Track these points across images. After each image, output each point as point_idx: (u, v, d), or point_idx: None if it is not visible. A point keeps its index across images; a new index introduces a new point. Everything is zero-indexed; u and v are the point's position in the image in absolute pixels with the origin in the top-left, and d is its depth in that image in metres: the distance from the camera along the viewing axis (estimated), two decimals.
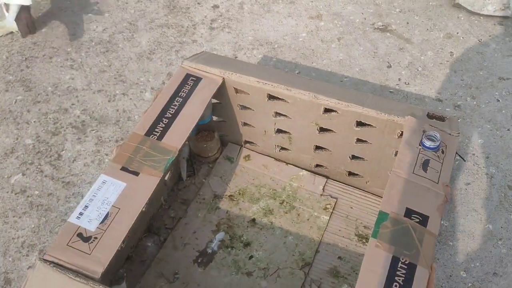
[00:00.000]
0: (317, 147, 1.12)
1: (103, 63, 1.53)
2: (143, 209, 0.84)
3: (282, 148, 1.18)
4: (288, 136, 1.13)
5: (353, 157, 1.09)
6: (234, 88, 1.07)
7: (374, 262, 0.74)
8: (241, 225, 1.11)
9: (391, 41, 1.58)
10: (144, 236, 1.08)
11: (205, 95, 1.02)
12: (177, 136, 0.94)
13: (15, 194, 1.20)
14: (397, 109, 0.97)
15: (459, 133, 0.91)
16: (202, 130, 1.19)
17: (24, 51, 1.57)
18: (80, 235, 0.80)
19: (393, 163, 1.03)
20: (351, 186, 1.17)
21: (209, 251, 1.06)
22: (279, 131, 1.13)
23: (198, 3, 1.73)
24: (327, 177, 1.18)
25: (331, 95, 0.98)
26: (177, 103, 0.99)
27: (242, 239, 1.08)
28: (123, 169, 0.88)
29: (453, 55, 1.53)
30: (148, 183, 0.87)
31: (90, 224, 0.81)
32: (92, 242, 0.79)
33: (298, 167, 1.19)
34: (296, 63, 1.51)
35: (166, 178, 1.13)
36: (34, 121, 1.36)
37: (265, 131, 1.15)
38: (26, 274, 1.06)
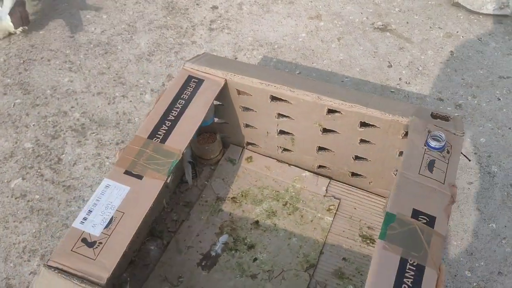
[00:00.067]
0: (320, 148, 1.11)
1: (102, 65, 1.52)
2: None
3: (285, 149, 1.17)
4: (291, 137, 1.13)
5: (357, 157, 1.09)
6: (237, 89, 1.06)
7: (382, 264, 0.73)
8: (245, 227, 1.10)
9: (391, 40, 1.58)
10: (147, 240, 1.07)
11: (207, 97, 1.01)
12: (181, 138, 0.93)
13: (15, 198, 1.19)
14: (401, 109, 0.96)
15: (463, 132, 0.91)
16: (203, 132, 1.19)
17: (22, 53, 1.55)
18: (84, 240, 0.79)
19: (396, 163, 1.03)
20: (354, 186, 1.16)
21: (213, 254, 1.05)
22: (281, 132, 1.13)
23: (197, 4, 1.72)
24: (330, 178, 1.17)
25: (335, 96, 0.98)
26: (179, 105, 0.99)
27: (245, 241, 1.08)
28: (127, 172, 0.88)
29: (453, 54, 1.53)
30: (152, 187, 0.86)
31: (94, 229, 0.80)
32: (96, 247, 0.78)
33: (301, 168, 1.19)
34: (296, 64, 1.51)
35: (168, 180, 1.12)
36: (33, 125, 1.35)
37: (267, 133, 1.14)
38: (29, 280, 1.05)
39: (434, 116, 0.94)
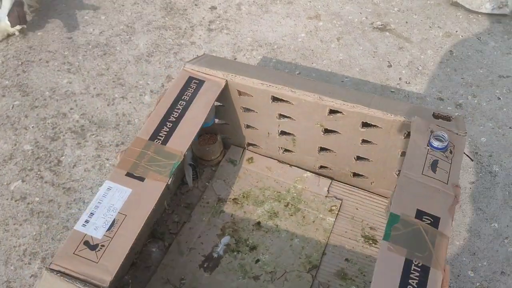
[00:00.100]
0: (322, 149, 1.11)
1: (101, 66, 1.51)
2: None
3: (286, 150, 1.17)
4: (292, 138, 1.12)
5: (358, 158, 1.08)
6: (237, 90, 1.05)
7: (387, 265, 0.73)
8: (246, 228, 1.09)
9: (391, 40, 1.57)
10: (148, 242, 1.07)
11: (208, 98, 1.00)
12: (182, 140, 0.93)
13: (15, 201, 1.19)
14: (403, 110, 0.96)
15: (466, 132, 0.91)
16: (204, 133, 1.18)
17: (20, 55, 1.54)
18: (86, 243, 0.78)
19: (398, 163, 1.03)
20: (356, 187, 1.16)
21: (215, 255, 1.05)
22: (283, 133, 1.12)
23: (195, 5, 1.71)
24: (332, 179, 1.17)
25: (336, 96, 0.98)
26: (180, 107, 0.98)
27: (247, 242, 1.07)
28: (128, 174, 0.87)
29: (452, 53, 1.53)
30: (154, 189, 0.86)
31: (96, 231, 0.80)
32: (99, 250, 0.78)
33: (302, 168, 1.18)
34: (296, 64, 1.50)
35: (169, 182, 1.11)
36: (33, 127, 1.34)
37: (268, 133, 1.14)
38: (29, 283, 1.04)
39: (436, 116, 0.94)
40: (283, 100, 1.03)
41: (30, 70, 1.50)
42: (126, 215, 0.82)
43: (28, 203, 1.18)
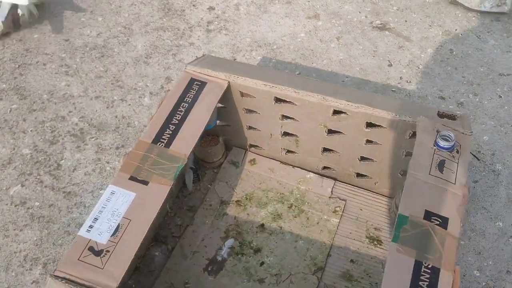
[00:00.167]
0: (325, 149, 1.10)
1: (99, 68, 1.49)
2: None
3: (289, 151, 1.16)
4: (295, 138, 1.11)
5: (362, 158, 1.08)
6: (240, 91, 1.04)
7: (397, 267, 0.72)
8: (250, 230, 1.08)
9: (390, 39, 1.57)
10: (151, 246, 1.06)
11: (211, 100, 0.99)
12: (185, 142, 0.92)
13: (15, 206, 1.17)
14: (407, 109, 0.95)
15: (472, 132, 0.90)
16: (206, 134, 1.17)
17: (16, 58, 1.53)
18: (91, 249, 0.77)
19: (403, 164, 1.03)
20: (359, 187, 1.15)
21: (219, 258, 1.04)
22: (285, 134, 1.12)
23: (193, 5, 1.70)
24: (335, 179, 1.16)
25: (340, 97, 0.97)
26: (183, 109, 0.97)
27: (252, 245, 1.06)
28: (132, 178, 0.86)
29: (453, 52, 1.53)
30: (158, 192, 0.85)
31: (101, 237, 0.78)
32: (104, 255, 0.76)
33: (305, 169, 1.17)
34: (296, 64, 1.49)
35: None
36: (31, 130, 1.33)
37: (271, 134, 1.13)
38: None
39: (441, 115, 0.94)
40: (286, 101, 1.02)
41: (27, 73, 1.48)
42: (130, 220, 0.81)
43: (28, 208, 1.16)
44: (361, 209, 1.12)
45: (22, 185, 1.21)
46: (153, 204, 0.83)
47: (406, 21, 1.63)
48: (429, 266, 0.72)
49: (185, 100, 0.98)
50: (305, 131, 1.08)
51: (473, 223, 1.13)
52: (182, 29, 1.62)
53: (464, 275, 1.04)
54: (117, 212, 0.81)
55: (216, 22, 1.64)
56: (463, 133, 0.90)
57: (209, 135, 1.17)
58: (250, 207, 1.12)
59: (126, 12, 1.68)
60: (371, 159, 1.06)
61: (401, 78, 1.45)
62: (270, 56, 1.52)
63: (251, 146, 1.20)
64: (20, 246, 1.10)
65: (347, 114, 0.98)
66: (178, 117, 0.95)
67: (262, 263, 1.03)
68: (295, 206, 1.12)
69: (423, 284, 0.70)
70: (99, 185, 1.21)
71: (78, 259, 0.76)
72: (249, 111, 1.09)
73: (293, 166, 1.18)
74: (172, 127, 0.94)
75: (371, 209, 1.12)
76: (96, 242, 0.78)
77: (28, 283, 1.04)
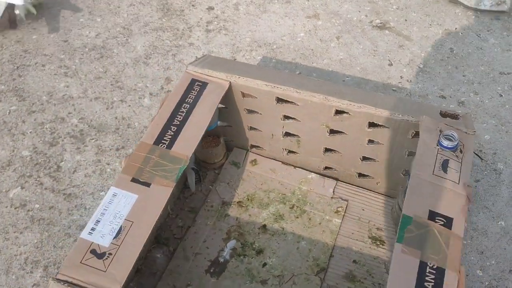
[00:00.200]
0: (327, 150, 1.10)
1: (98, 69, 1.49)
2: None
3: (290, 152, 1.16)
4: (297, 139, 1.11)
5: (364, 158, 1.07)
6: (241, 92, 1.04)
7: (402, 268, 0.72)
8: (252, 232, 1.08)
9: (390, 38, 1.56)
10: (153, 247, 1.05)
11: (212, 101, 0.99)
12: (187, 144, 0.91)
13: (15, 208, 1.16)
14: (410, 109, 0.95)
15: (475, 131, 0.90)
16: (207, 135, 1.16)
17: (15, 59, 1.52)
18: (93, 251, 0.76)
19: (405, 163, 1.02)
20: (361, 187, 1.15)
21: (221, 260, 1.03)
22: (287, 134, 1.11)
23: (193, 5, 1.70)
24: (337, 179, 1.16)
25: (343, 97, 0.96)
26: (184, 110, 0.96)
27: (254, 246, 1.06)
28: (134, 180, 0.85)
29: (453, 51, 1.52)
30: (160, 194, 0.84)
31: (103, 239, 0.78)
32: (106, 258, 0.76)
33: (307, 170, 1.17)
34: (296, 64, 1.49)
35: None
36: (30, 132, 1.32)
37: (272, 135, 1.13)
38: None
39: (443, 114, 0.93)
40: (288, 101, 1.02)
41: (26, 75, 1.47)
42: (133, 222, 0.80)
43: (28, 210, 1.16)
44: (363, 209, 1.11)
45: (22, 187, 1.20)
46: (155, 206, 0.82)
47: (406, 20, 1.63)
48: (434, 267, 0.72)
49: (186, 101, 0.98)
50: (306, 131, 1.07)
51: (475, 222, 1.13)
52: (182, 29, 1.61)
53: (467, 275, 1.04)
54: (119, 214, 0.81)
55: (215, 22, 1.63)
56: (466, 132, 0.89)
57: (210, 136, 1.16)
58: (252, 208, 1.12)
59: (125, 12, 1.67)
60: (373, 159, 1.06)
61: (401, 77, 1.45)
62: (270, 56, 1.51)
63: (252, 146, 1.20)
64: (20, 248, 1.09)
65: (349, 114, 0.98)
66: (180, 118, 0.95)
67: (264, 264, 1.03)
68: (297, 206, 1.12)
69: (428, 285, 0.70)
70: (100, 186, 1.20)
71: (80, 262, 0.75)
72: (251, 111, 1.09)
73: (295, 167, 1.18)
74: (173, 128, 0.93)
75: (373, 209, 1.11)
76: (98, 244, 0.77)
77: (29, 286, 1.04)
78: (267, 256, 1.04)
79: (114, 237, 0.78)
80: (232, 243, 1.06)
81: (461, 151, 0.86)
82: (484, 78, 1.44)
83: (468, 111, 1.35)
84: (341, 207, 1.11)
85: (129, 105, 1.38)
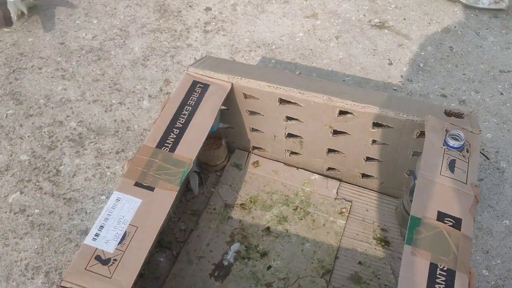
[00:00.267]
0: (330, 150, 1.09)
1: (96, 71, 1.47)
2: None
3: (293, 153, 1.15)
4: (300, 140, 1.10)
5: (368, 158, 1.06)
6: (243, 93, 1.03)
7: (412, 270, 0.71)
8: (256, 234, 1.07)
9: (390, 37, 1.56)
10: (156, 251, 1.04)
11: (214, 103, 0.97)
12: (190, 146, 0.90)
13: (14, 214, 1.14)
14: (414, 108, 0.94)
15: (480, 130, 0.89)
16: (209, 137, 1.15)
17: (11, 62, 1.50)
18: (98, 257, 0.75)
19: (410, 163, 1.01)
20: (365, 188, 1.14)
21: (225, 263, 1.02)
22: (289, 135, 1.10)
23: (190, 6, 1.68)
24: (340, 180, 1.15)
25: (346, 97, 0.95)
26: (186, 112, 0.95)
27: (258, 249, 1.04)
28: (137, 184, 0.84)
29: (452, 49, 1.52)
30: (164, 198, 0.83)
31: (107, 245, 0.76)
32: (111, 264, 0.74)
33: (310, 171, 1.16)
34: (296, 64, 1.48)
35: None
36: (28, 136, 1.30)
37: (274, 136, 1.12)
38: None
39: (448, 113, 0.92)
40: (291, 102, 1.00)
41: (23, 78, 1.45)
42: (137, 227, 0.79)
43: (28, 216, 1.14)
44: (367, 210, 1.10)
45: (21, 192, 1.18)
46: (160, 210, 0.81)
47: (404, 19, 1.62)
48: (445, 269, 0.71)
49: (188, 103, 0.97)
50: (309, 132, 1.06)
51: (480, 221, 1.12)
52: (179, 31, 1.59)
53: None
54: (123, 219, 0.79)
55: (213, 23, 1.62)
56: (471, 131, 0.88)
57: (211, 138, 1.15)
58: (255, 210, 1.11)
59: (122, 14, 1.66)
60: (377, 159, 1.05)
61: (402, 76, 1.44)
62: (270, 56, 1.50)
63: (254, 148, 1.19)
64: (20, 254, 1.08)
65: (353, 115, 0.97)
66: (182, 120, 0.94)
67: (269, 267, 1.02)
68: (301, 208, 1.11)
69: (439, 287, 0.69)
70: (100, 190, 1.18)
71: (85, 269, 0.74)
72: (253, 113, 1.08)
73: (297, 168, 1.17)
74: (176, 131, 0.92)
75: (377, 209, 1.11)
76: (103, 250, 0.76)
77: None
78: (271, 258, 1.03)
79: (119, 243, 0.77)
80: (236, 246, 1.05)
81: (467, 151, 0.85)
82: (484, 76, 1.44)
83: (469, 109, 1.35)
84: (345, 208, 1.10)
85: (128, 108, 1.37)
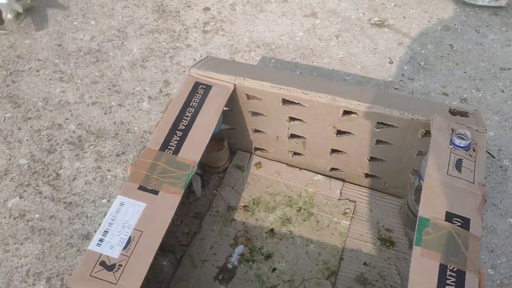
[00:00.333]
0: (333, 150, 1.08)
1: (95, 73, 1.46)
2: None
3: (295, 153, 1.14)
4: (303, 140, 1.09)
5: (372, 158, 1.06)
6: (246, 94, 1.02)
7: (422, 271, 0.70)
8: (260, 236, 1.06)
9: (390, 36, 1.55)
10: (159, 255, 1.02)
11: (217, 104, 0.96)
12: (194, 149, 0.89)
13: (14, 219, 1.13)
14: (419, 107, 0.93)
15: (486, 129, 0.88)
16: (210, 139, 1.14)
17: (8, 65, 1.48)
18: (103, 263, 0.74)
19: (414, 163, 1.01)
20: (368, 188, 1.13)
21: (230, 266, 1.01)
22: (292, 136, 1.09)
23: (188, 6, 1.67)
24: (343, 181, 1.14)
25: (350, 97, 0.95)
26: (189, 114, 0.94)
27: (262, 251, 1.04)
28: (141, 188, 0.83)
29: (453, 47, 1.51)
30: (169, 202, 0.82)
31: (112, 250, 0.75)
32: (117, 270, 0.73)
33: (313, 171, 1.15)
34: (296, 63, 1.47)
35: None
36: (27, 139, 1.28)
37: (277, 137, 1.11)
38: None
39: (453, 112, 0.92)
40: (294, 103, 0.99)
41: (20, 80, 1.43)
42: (142, 232, 0.78)
43: (28, 221, 1.13)
44: (371, 210, 1.10)
45: (21, 197, 1.17)
46: (164, 214, 0.80)
47: (404, 17, 1.61)
48: (454, 269, 0.70)
49: (191, 104, 0.95)
50: (313, 132, 1.05)
51: (484, 220, 1.11)
52: (178, 31, 1.58)
53: None
54: (128, 224, 0.78)
55: (212, 23, 1.61)
56: (477, 130, 0.88)
57: (213, 140, 1.14)
58: (258, 212, 1.10)
59: (120, 14, 1.64)
60: (381, 159, 1.04)
61: (403, 75, 1.43)
62: (270, 56, 1.49)
63: (256, 149, 1.18)
64: (21, 260, 1.06)
65: (357, 115, 0.96)
66: (185, 122, 0.92)
67: (274, 269, 1.01)
68: (304, 209, 1.10)
69: None
70: (101, 194, 1.17)
71: (90, 275, 0.72)
72: (255, 113, 1.07)
73: (300, 169, 1.16)
74: (179, 133, 0.91)
75: (381, 210, 1.10)
76: (107, 256, 0.75)
77: None
78: (276, 260, 1.02)
79: (124, 248, 0.75)
80: (240, 249, 1.04)
81: (474, 150, 0.84)
82: (485, 74, 1.44)
83: (471, 107, 1.34)
84: (349, 208, 1.09)
85: (128, 110, 1.35)
